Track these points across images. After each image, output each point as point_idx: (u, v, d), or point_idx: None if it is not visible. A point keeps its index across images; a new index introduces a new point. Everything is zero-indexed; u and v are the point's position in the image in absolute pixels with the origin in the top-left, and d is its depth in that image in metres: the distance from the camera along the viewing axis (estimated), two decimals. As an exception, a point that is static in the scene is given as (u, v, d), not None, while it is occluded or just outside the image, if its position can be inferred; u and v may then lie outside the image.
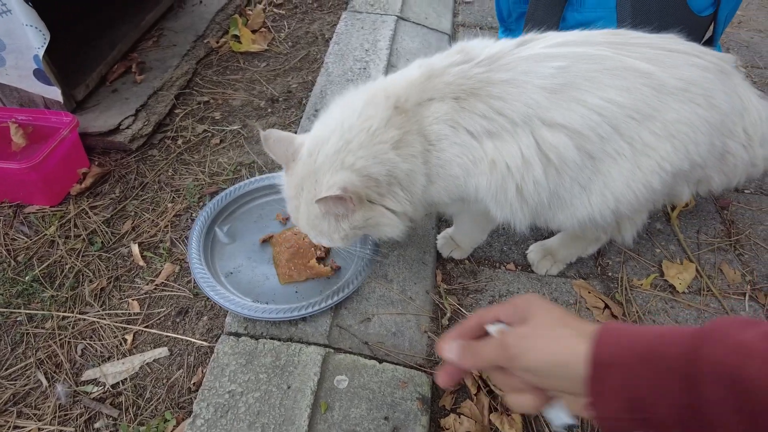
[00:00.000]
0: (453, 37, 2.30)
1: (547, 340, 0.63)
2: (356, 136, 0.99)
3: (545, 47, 1.03)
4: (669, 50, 1.09)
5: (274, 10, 2.60)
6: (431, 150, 1.02)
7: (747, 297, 1.46)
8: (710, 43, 1.95)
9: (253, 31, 2.38)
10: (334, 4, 2.65)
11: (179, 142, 1.86)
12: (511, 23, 1.96)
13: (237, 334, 1.15)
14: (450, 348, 0.69)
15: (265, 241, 1.40)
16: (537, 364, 0.62)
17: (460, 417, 1.13)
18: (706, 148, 1.11)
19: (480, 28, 2.40)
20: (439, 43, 2.18)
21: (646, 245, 1.55)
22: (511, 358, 0.64)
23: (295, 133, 1.67)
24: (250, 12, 2.51)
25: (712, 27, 1.90)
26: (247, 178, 1.69)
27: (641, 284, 1.44)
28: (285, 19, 2.55)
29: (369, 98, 1.03)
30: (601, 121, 1.01)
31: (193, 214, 1.60)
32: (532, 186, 1.03)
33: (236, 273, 1.33)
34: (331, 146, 1.00)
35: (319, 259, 1.32)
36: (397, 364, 1.16)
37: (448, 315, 1.30)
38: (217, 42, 2.32)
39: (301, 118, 1.82)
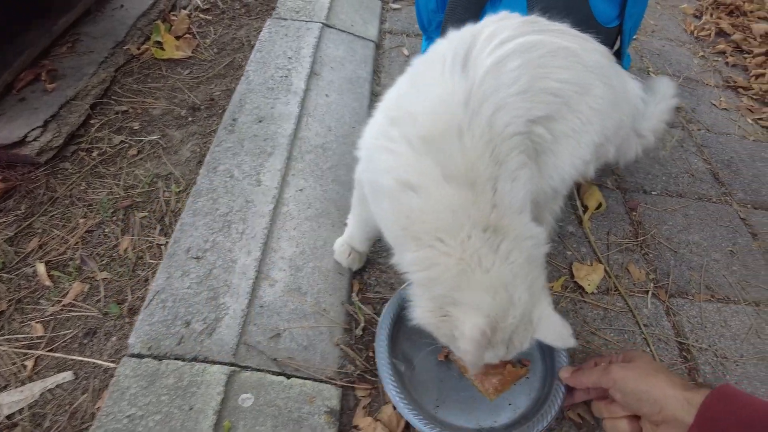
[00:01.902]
0: (379, 45, 2.31)
1: (644, 374, 0.91)
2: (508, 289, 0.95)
3: (492, 51, 1.02)
4: (576, 35, 1.18)
5: (201, 15, 2.55)
6: None
7: (650, 295, 1.54)
8: (618, 54, 2.04)
9: (177, 38, 2.33)
10: (262, 10, 2.62)
11: (94, 154, 1.79)
12: (432, 32, 1.99)
13: (140, 356, 1.12)
14: (565, 372, 1.12)
15: (446, 357, 1.27)
16: (632, 389, 0.90)
17: (376, 422, 1.14)
18: (613, 123, 1.22)
19: (407, 36, 2.42)
20: (365, 51, 2.19)
21: (558, 248, 1.61)
22: (612, 381, 0.94)
23: (211, 143, 1.65)
24: (174, 17, 2.45)
25: (619, 39, 1.98)
26: (164, 191, 1.65)
27: (552, 286, 1.49)
28: (211, 25, 2.50)
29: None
30: (560, 101, 1.07)
31: (107, 230, 1.55)
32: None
33: (441, 405, 1.19)
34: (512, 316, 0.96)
35: (511, 362, 1.26)
36: (306, 378, 1.16)
37: (362, 325, 1.31)
38: (139, 48, 2.25)
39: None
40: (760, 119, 2.41)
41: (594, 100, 1.15)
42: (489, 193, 0.93)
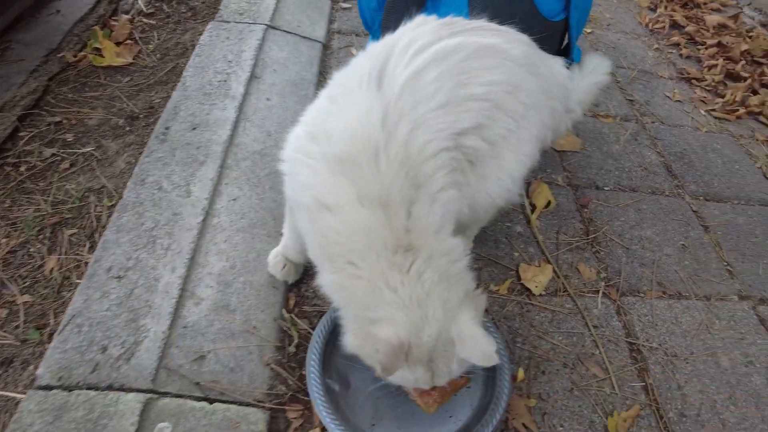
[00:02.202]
0: (327, 46, 2.25)
1: None
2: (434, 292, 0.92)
3: (408, 63, 0.97)
4: (496, 29, 1.14)
5: (144, 20, 2.46)
6: None
7: (600, 294, 1.50)
8: (568, 49, 2.00)
9: (118, 44, 2.23)
10: (209, 13, 2.53)
11: (22, 168, 1.70)
12: (375, 31, 1.93)
13: (48, 387, 1.04)
14: None
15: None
16: None
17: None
18: (549, 111, 1.21)
19: (356, 35, 2.36)
20: (310, 52, 2.13)
21: (505, 249, 1.56)
22: None
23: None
24: (115, 23, 2.36)
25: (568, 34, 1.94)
26: (96, 206, 1.57)
27: (498, 289, 1.45)
28: (155, 30, 2.41)
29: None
30: (489, 105, 1.03)
31: (31, 249, 1.46)
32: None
33: (378, 423, 1.14)
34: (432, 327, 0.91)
35: None
36: (231, 402, 1.09)
37: (296, 342, 1.24)
38: (75, 56, 2.15)
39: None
40: (713, 110, 2.40)
41: (526, 95, 1.11)
42: (402, 218, 0.90)
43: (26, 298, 1.36)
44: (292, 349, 1.23)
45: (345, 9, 2.51)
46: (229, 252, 1.34)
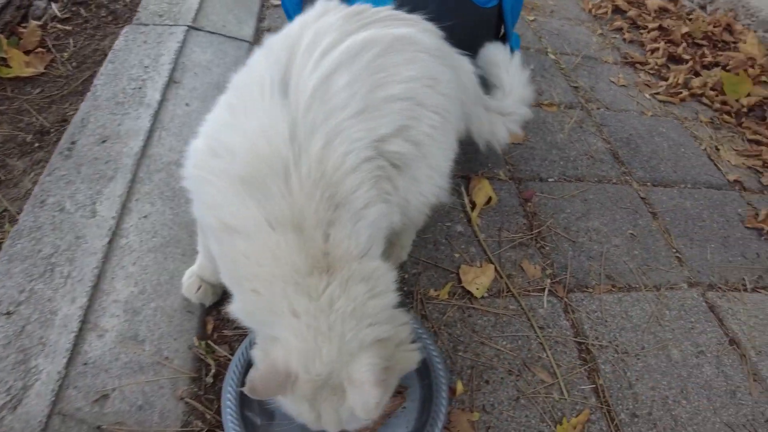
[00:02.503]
0: (255, 45, 2.12)
1: None
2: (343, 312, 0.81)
3: (315, 66, 0.86)
4: (406, 18, 1.07)
5: (58, 26, 2.28)
6: None
7: (546, 292, 1.43)
8: (505, 37, 1.93)
9: (27, 52, 2.06)
10: (131, 16, 2.37)
11: None
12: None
13: None
14: None
15: None
16: None
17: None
18: (461, 103, 1.16)
19: (288, 32, 2.24)
20: (237, 52, 2.00)
21: (445, 251, 1.48)
22: None
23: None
24: (24, 29, 2.18)
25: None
26: (-5, 231, 1.42)
27: (438, 294, 1.36)
28: (71, 36, 2.24)
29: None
30: (412, 104, 0.95)
31: None
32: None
33: None
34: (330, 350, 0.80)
35: None
36: (137, 446, 0.97)
37: (213, 371, 1.13)
38: (-22, 68, 1.98)
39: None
40: (657, 94, 2.37)
41: (445, 87, 1.04)
42: (319, 241, 0.81)
43: None
44: (209, 379, 1.12)
45: (276, 6, 2.39)
46: (139, 275, 1.22)
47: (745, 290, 1.58)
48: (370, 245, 0.87)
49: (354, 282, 0.82)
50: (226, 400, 1.03)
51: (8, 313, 1.10)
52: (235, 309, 0.88)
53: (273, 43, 0.93)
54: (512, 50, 2.03)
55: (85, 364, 1.06)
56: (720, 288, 1.57)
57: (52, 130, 1.76)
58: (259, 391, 0.77)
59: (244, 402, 1.05)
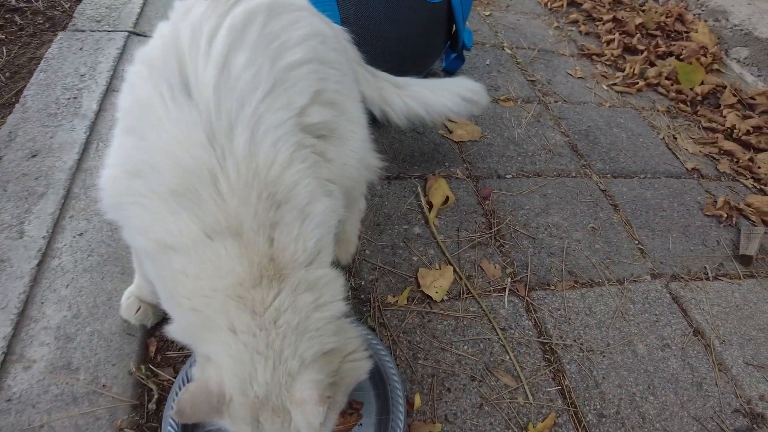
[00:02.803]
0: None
1: None
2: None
3: (207, 56, 0.79)
4: None
5: (-9, 35, 2.16)
6: None
7: (507, 292, 1.39)
8: (456, 34, 1.90)
9: (-44, 64, 1.94)
10: (69, 23, 2.27)
11: None
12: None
13: None
14: None
15: None
16: None
17: None
18: (347, 60, 1.14)
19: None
20: (181, 57, 1.91)
21: (403, 254, 1.42)
22: None
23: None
24: (-47, 41, 2.05)
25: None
26: None
27: (396, 300, 1.31)
28: (4, 45, 2.11)
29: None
30: (315, 65, 0.90)
31: None
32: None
33: None
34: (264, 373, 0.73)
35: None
36: (65, 488, 0.89)
37: (156, 396, 1.05)
38: None
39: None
40: (614, 84, 2.37)
41: (333, 42, 1.03)
42: (263, 246, 0.75)
43: None
44: (152, 405, 1.04)
45: (224, 8, 2.30)
46: (73, 298, 1.13)
47: (707, 279, 1.57)
48: (319, 250, 0.81)
49: (300, 292, 0.76)
50: (167, 426, 0.95)
51: None
52: (172, 329, 0.81)
53: (149, 56, 0.85)
54: (465, 47, 2.00)
55: (9, 400, 0.97)
56: (683, 278, 1.55)
57: (-19, 147, 1.65)
58: (187, 415, 0.69)
59: (186, 428, 0.97)
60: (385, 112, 1.38)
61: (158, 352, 1.13)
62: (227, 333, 0.73)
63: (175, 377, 1.09)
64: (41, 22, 2.27)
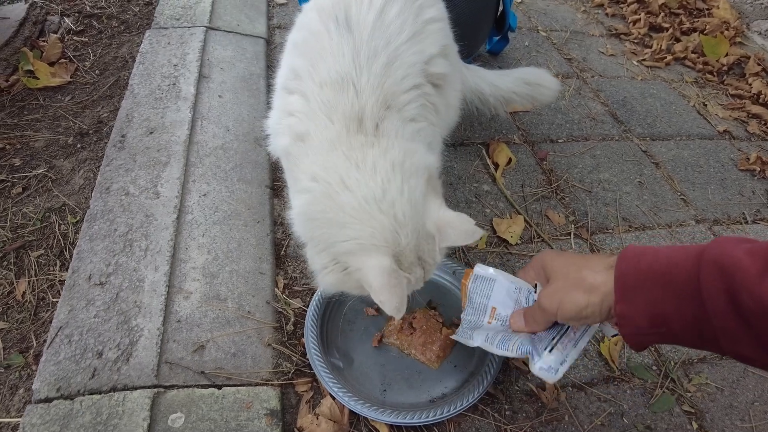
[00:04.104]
0: (270, 41, 2.25)
1: (571, 291, 0.81)
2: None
3: (370, 4, 1.01)
4: None
5: (75, 38, 2.38)
6: None
7: (572, 236, 1.57)
8: (504, 16, 2.07)
9: (51, 64, 2.16)
10: (142, 24, 2.48)
11: (-29, 199, 1.62)
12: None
13: (48, 400, 1.01)
14: (516, 321, 0.97)
15: (380, 341, 1.22)
16: (571, 314, 0.81)
17: (318, 418, 1.08)
18: None
19: (297, 27, 2.37)
20: (255, 47, 2.12)
21: (477, 207, 1.61)
22: (552, 314, 0.85)
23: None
24: (44, 43, 2.27)
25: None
26: (59, 224, 1.51)
27: (476, 245, 1.49)
28: (89, 47, 2.34)
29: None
30: (444, 23, 1.16)
31: (-2, 277, 1.40)
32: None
33: (388, 388, 1.14)
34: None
35: (444, 325, 1.22)
36: (239, 385, 1.09)
37: (292, 320, 1.25)
38: (7, 80, 2.07)
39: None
40: (643, 60, 2.54)
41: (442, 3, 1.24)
42: (371, 129, 0.93)
43: (1, 325, 1.30)
44: (290, 327, 1.24)
45: (281, 5, 2.51)
46: (210, 245, 1.33)
47: (746, 222, 1.74)
48: (413, 136, 0.99)
49: (392, 151, 0.91)
50: (312, 348, 1.15)
51: (101, 284, 1.21)
52: (292, 213, 0.98)
53: (318, 5, 1.07)
54: (510, 28, 2.18)
55: (179, 321, 1.17)
56: (724, 222, 1.73)
57: (90, 131, 1.87)
58: (399, 307, 0.83)
59: (325, 349, 1.17)
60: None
61: (286, 288, 1.33)
62: (346, 192, 0.86)
63: (303, 306, 1.28)
64: (116, 25, 2.49)
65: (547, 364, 0.90)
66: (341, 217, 0.86)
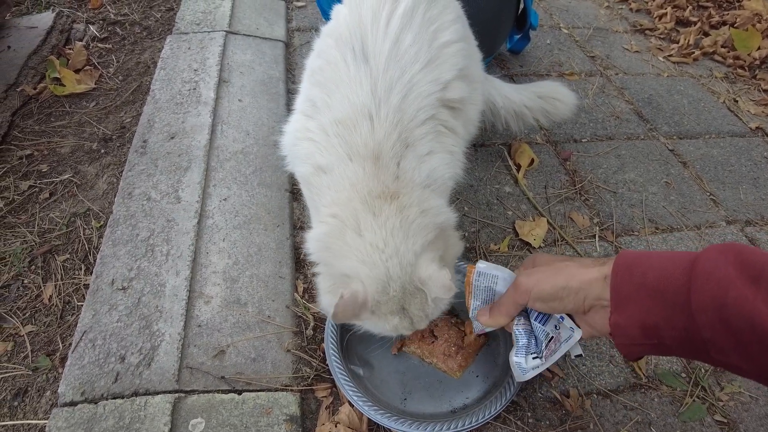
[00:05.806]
0: (289, 44, 2.25)
1: (553, 274, 0.83)
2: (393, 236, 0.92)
3: (385, 32, 1.01)
4: None
5: (99, 45, 2.42)
6: None
7: (597, 238, 1.54)
8: (525, 14, 2.04)
9: (77, 71, 2.20)
10: (164, 30, 2.51)
11: (0, 204, 1.66)
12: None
13: (73, 403, 1.02)
14: (483, 315, 0.98)
15: (400, 349, 1.21)
16: (545, 293, 0.83)
17: (336, 426, 1.08)
18: None
19: (316, 31, 2.36)
20: (274, 51, 2.13)
21: (498, 210, 1.59)
22: (525, 293, 0.86)
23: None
24: (70, 51, 2.32)
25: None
26: (84, 229, 1.54)
27: (498, 248, 1.47)
28: (113, 53, 2.38)
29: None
30: (463, 44, 1.12)
31: (26, 281, 1.43)
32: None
33: (409, 396, 1.14)
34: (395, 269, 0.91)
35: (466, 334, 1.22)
36: (259, 390, 1.09)
37: (312, 324, 1.24)
38: (35, 88, 2.11)
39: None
40: (670, 56, 2.48)
41: (466, 21, 1.25)
42: (392, 168, 0.95)
43: (30, 328, 1.33)
44: (309, 332, 1.23)
45: (300, 7, 2.51)
46: (230, 249, 1.33)
47: (780, 223, 1.69)
48: (430, 183, 1.00)
49: (408, 207, 0.93)
50: (331, 354, 1.14)
51: (123, 288, 1.22)
52: (309, 237, 1.00)
53: (335, 31, 1.07)
54: (532, 26, 2.15)
55: (199, 326, 1.17)
56: (757, 223, 1.67)
57: (114, 137, 1.89)
58: (339, 317, 0.87)
59: (346, 356, 1.16)
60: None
61: (305, 292, 1.33)
62: (355, 235, 0.91)
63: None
64: (139, 31, 2.53)
65: (528, 364, 0.96)
66: (349, 253, 0.91)
